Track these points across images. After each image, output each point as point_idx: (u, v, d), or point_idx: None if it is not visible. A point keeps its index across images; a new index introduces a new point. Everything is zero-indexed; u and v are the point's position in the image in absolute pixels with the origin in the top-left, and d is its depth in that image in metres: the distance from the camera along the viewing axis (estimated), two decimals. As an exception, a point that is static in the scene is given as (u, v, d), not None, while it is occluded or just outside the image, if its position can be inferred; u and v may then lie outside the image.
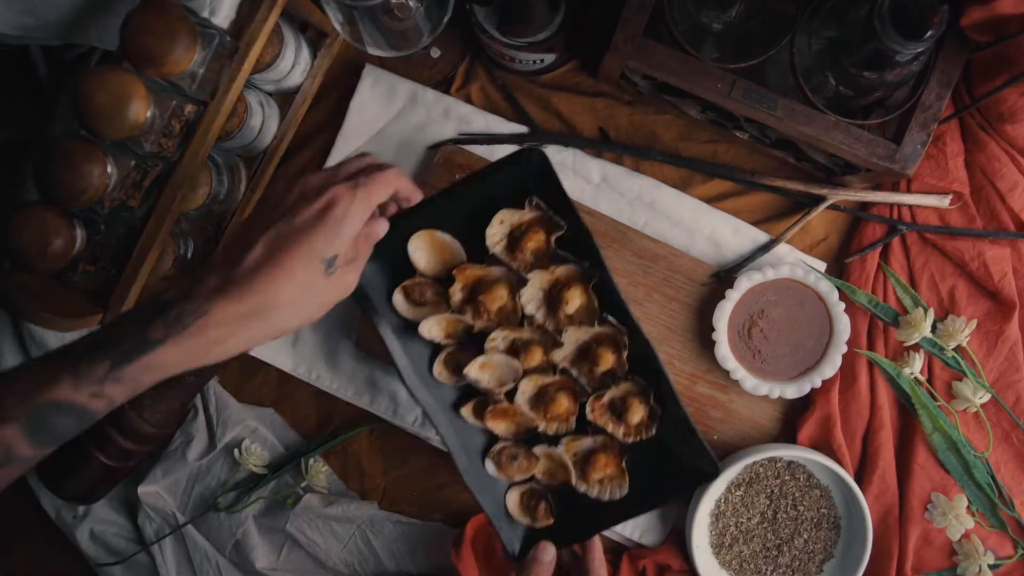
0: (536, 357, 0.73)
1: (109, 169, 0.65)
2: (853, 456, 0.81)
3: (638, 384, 0.73)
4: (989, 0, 0.64)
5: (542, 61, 0.80)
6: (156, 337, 0.51)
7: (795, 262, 0.82)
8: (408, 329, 0.74)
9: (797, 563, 0.81)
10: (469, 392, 0.76)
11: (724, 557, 0.81)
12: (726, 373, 0.80)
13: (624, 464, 0.74)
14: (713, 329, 0.80)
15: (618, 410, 0.73)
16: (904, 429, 0.82)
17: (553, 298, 0.72)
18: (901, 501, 0.81)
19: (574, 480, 0.74)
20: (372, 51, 0.70)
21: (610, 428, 0.73)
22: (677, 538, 0.83)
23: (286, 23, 0.78)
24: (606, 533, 0.85)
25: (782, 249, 0.83)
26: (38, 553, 0.92)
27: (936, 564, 0.81)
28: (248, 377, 0.88)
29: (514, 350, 0.73)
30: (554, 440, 0.75)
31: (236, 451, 0.85)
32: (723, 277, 0.82)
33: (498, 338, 0.72)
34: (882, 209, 0.82)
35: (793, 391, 0.80)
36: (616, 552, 0.85)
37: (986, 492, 0.80)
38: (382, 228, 0.61)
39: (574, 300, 0.71)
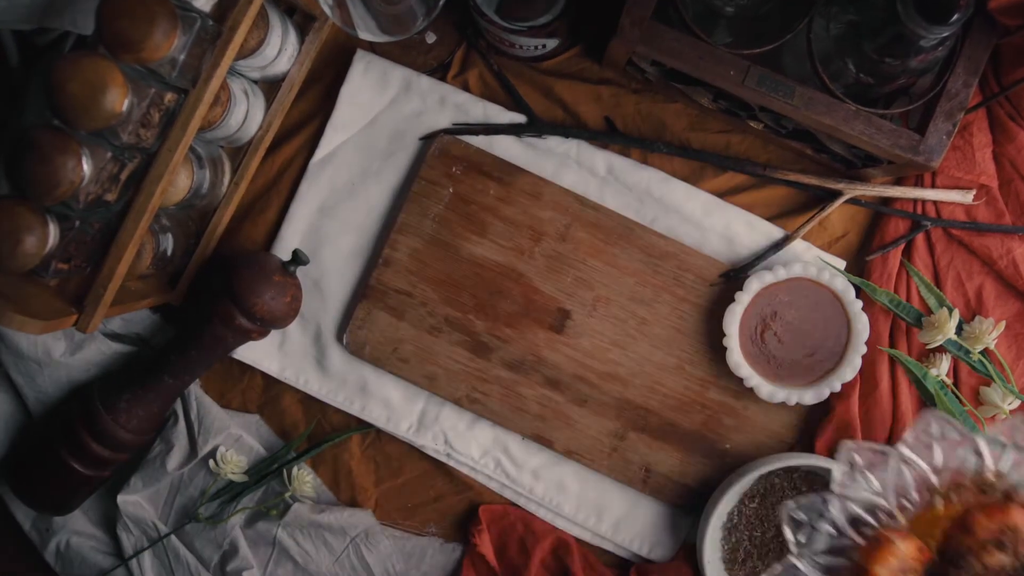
0: None
1: (84, 161, 0.65)
2: (874, 466, 0.81)
3: None
4: (1019, -19, 0.64)
5: (544, 47, 0.80)
6: None
7: (808, 260, 0.82)
8: None
9: (814, 579, 0.81)
10: None
11: (737, 573, 0.81)
12: (739, 379, 0.80)
13: None
14: (724, 334, 0.80)
15: None
16: (928, 437, 0.82)
17: None
18: (925, 514, 0.80)
19: None
20: (364, 36, 0.70)
21: None
22: (688, 553, 0.83)
23: (272, 6, 0.78)
24: (611, 548, 0.85)
25: (799, 246, 0.82)
26: (12, 567, 0.92)
27: (962, 581, 0.81)
28: (232, 382, 0.88)
29: None
30: None
31: (211, 461, 0.85)
32: (733, 277, 0.82)
33: None
34: (905, 204, 0.82)
35: (811, 397, 0.79)
36: (623, 567, 0.85)
37: (1015, 504, 0.79)
38: None
39: None
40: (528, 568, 0.82)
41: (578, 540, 0.85)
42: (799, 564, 0.60)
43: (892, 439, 0.81)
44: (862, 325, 0.79)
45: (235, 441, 0.86)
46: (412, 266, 0.84)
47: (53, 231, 0.66)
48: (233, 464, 0.85)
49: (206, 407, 0.86)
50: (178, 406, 0.86)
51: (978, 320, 0.81)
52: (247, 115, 0.81)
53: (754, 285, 0.79)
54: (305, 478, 0.85)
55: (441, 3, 0.68)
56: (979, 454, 0.60)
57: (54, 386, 0.86)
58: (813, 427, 0.82)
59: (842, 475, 0.60)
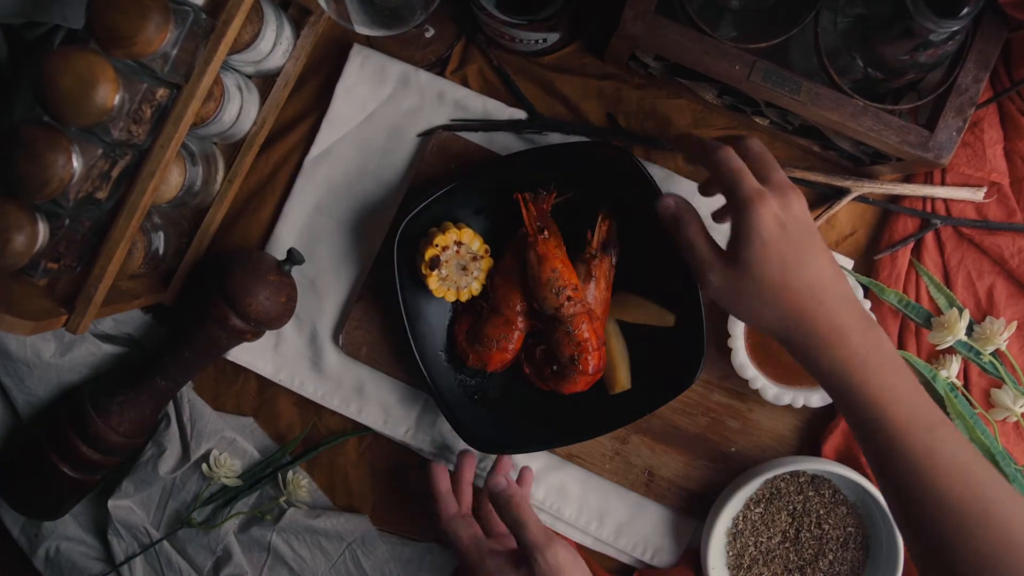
0: None
1: (74, 158, 0.65)
2: (882, 470, 0.81)
3: None
4: (1031, -26, 0.64)
5: (544, 41, 0.80)
6: None
7: (819, 259, 0.82)
8: None
9: (821, 586, 0.81)
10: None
11: (742, 579, 0.81)
12: (744, 381, 0.80)
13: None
14: (729, 335, 0.79)
15: None
16: (938, 440, 0.82)
17: None
18: (934, 519, 0.80)
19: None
20: (360, 30, 0.70)
21: None
22: (691, 559, 0.83)
23: (267, 0, 0.78)
24: (613, 554, 0.85)
25: (805, 245, 0.82)
26: (0, 573, 0.92)
27: (972, 587, 0.81)
28: (226, 384, 0.88)
29: None
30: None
31: (204, 464, 0.85)
32: (741, 276, 0.82)
33: None
34: (914, 202, 0.82)
35: (819, 399, 0.79)
36: (625, 573, 0.85)
37: (1027, 509, 0.79)
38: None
39: None
40: (528, 574, 0.82)
41: (579, 545, 0.85)
42: None
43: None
44: (870, 326, 0.79)
45: (229, 444, 0.86)
46: (410, 265, 0.84)
47: (42, 229, 0.66)
48: (227, 468, 0.85)
49: (199, 410, 0.86)
50: (170, 409, 0.86)
51: (989, 320, 0.81)
52: (241, 111, 0.81)
53: (760, 285, 0.79)
54: (300, 482, 0.85)
55: (439, -4, 0.68)
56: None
57: (44, 388, 0.86)
58: (820, 430, 0.82)
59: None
